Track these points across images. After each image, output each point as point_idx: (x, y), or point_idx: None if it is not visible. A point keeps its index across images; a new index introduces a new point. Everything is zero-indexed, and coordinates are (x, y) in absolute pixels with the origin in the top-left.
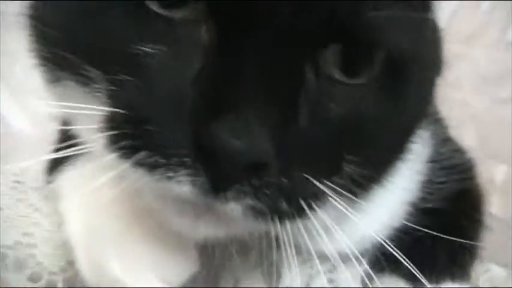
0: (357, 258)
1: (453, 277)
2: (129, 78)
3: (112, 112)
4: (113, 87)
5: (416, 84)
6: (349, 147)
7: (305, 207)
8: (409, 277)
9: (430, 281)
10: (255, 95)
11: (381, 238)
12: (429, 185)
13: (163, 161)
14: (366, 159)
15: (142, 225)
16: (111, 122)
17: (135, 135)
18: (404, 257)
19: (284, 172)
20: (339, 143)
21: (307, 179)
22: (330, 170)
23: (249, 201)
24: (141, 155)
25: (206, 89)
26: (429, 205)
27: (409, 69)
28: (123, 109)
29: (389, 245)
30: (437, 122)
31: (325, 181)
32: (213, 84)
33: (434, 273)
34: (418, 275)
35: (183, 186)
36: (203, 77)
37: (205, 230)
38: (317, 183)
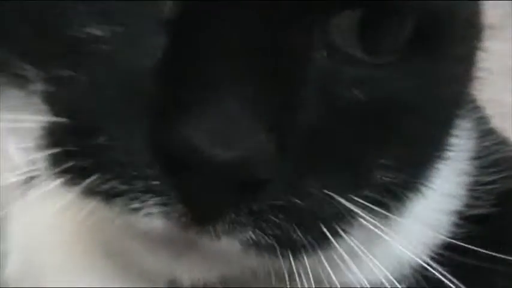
0: (393, 286)
1: None
2: (72, 73)
3: (51, 122)
4: (52, 88)
5: (454, 57)
6: (379, 146)
7: (328, 234)
8: None
9: None
10: (242, 79)
11: (422, 259)
12: (476, 187)
13: (123, 186)
14: (400, 161)
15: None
16: (51, 137)
17: (83, 153)
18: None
19: (295, 189)
20: (365, 142)
21: (328, 195)
22: (358, 181)
23: (249, 233)
24: (93, 179)
25: (171, 76)
26: (478, 211)
27: (446, 38)
28: (64, 117)
29: (434, 267)
30: (478, 110)
31: (352, 196)
32: (180, 69)
33: None
34: None
35: (153, 220)
36: (167, 61)
37: (189, 272)
38: (343, 201)
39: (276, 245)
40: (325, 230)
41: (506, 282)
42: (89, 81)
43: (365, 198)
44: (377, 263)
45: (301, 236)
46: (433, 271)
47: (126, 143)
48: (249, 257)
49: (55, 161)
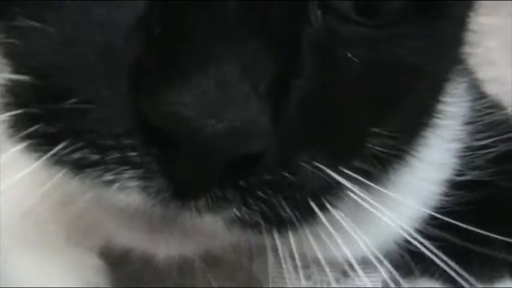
0: (378, 262)
1: None
2: (37, 23)
3: (13, 80)
4: (13, 40)
5: (451, 18)
6: (374, 113)
7: (316, 208)
8: (448, 277)
9: (481, 280)
10: (236, 42)
11: (409, 233)
12: (467, 152)
13: (95, 156)
14: (393, 128)
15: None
16: (14, 96)
17: (50, 116)
18: (440, 255)
19: (287, 162)
20: (360, 109)
21: (317, 167)
22: (350, 151)
23: (234, 211)
24: (61, 147)
25: (156, 34)
26: (470, 177)
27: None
28: (28, 74)
29: (421, 242)
30: (469, 73)
31: (342, 168)
32: (167, 27)
33: (486, 269)
34: (462, 276)
35: (129, 195)
36: (152, 17)
37: (166, 247)
38: (332, 173)
39: (261, 221)
40: (312, 204)
41: (499, 251)
42: (58, 34)
43: (354, 169)
44: (364, 237)
45: (288, 211)
46: (420, 246)
47: (101, 107)
48: (232, 234)
49: (18, 124)
